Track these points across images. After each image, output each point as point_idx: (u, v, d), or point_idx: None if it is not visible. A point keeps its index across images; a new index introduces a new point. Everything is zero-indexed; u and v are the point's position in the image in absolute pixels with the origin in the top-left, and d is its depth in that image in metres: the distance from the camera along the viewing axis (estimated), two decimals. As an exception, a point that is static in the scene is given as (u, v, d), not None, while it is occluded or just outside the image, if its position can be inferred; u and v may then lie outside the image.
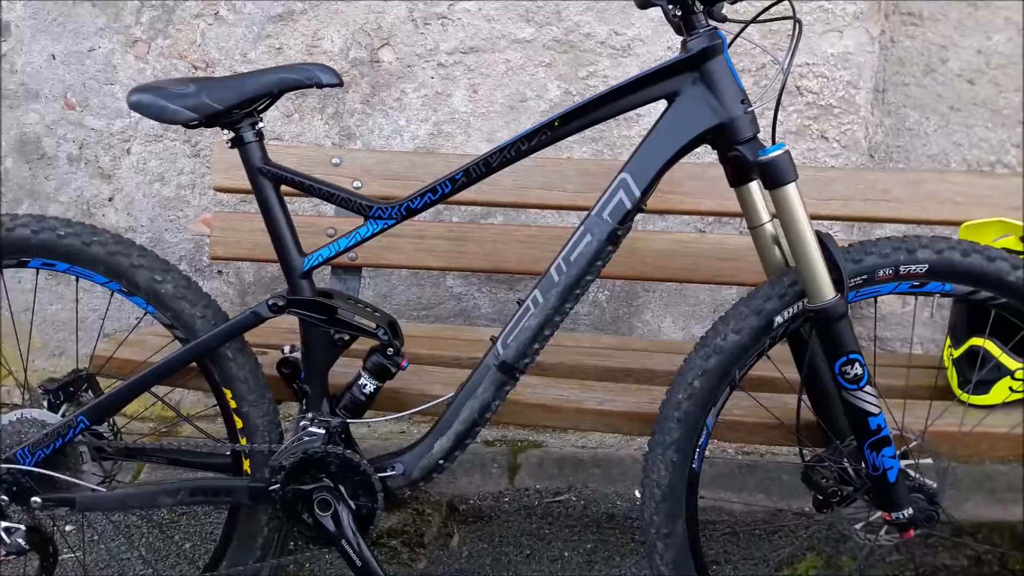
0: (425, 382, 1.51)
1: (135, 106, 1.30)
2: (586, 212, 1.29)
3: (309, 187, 1.32)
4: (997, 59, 2.46)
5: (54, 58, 2.51)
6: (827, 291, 1.21)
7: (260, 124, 1.34)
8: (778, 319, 1.27)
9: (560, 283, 1.29)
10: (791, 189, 1.20)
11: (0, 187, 2.58)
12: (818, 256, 1.21)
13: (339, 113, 2.49)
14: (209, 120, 1.29)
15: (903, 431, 1.37)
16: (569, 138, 1.27)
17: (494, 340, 1.33)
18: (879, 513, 1.29)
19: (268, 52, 2.45)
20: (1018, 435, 1.41)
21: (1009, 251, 1.50)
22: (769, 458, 2.40)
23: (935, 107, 2.51)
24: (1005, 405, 1.46)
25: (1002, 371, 1.45)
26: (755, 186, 1.32)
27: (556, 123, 1.26)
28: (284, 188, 1.37)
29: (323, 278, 2.51)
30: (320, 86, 1.28)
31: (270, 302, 1.34)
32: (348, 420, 1.35)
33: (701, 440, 1.31)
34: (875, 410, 1.23)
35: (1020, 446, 1.41)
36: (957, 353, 1.52)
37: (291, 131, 2.48)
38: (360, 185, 1.93)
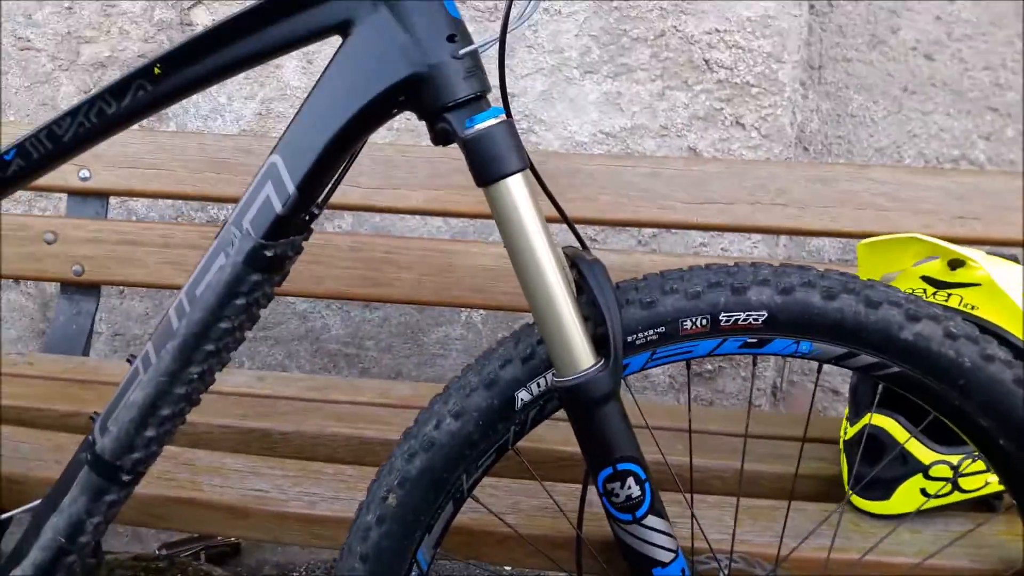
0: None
1: None
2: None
3: None
4: (961, 28, 1.97)
5: None
6: (582, 357, 0.71)
7: None
8: (523, 395, 0.78)
9: (180, 332, 0.80)
10: (513, 185, 0.70)
11: None
12: (563, 298, 0.71)
13: (145, 90, 2.02)
14: None
15: (750, 562, 0.88)
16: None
17: (94, 419, 0.84)
18: None
19: (57, 13, 1.98)
20: (932, 567, 0.91)
21: (931, 280, 1.01)
22: None
23: (884, 88, 2.02)
24: (917, 516, 0.97)
25: (910, 465, 0.95)
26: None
27: (156, 69, 0.77)
28: None
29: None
30: None
31: None
32: None
33: (409, 586, 0.82)
34: (666, 557, 0.73)
35: (933, 585, 0.91)
36: (851, 432, 1.02)
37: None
38: (88, 175, 1.46)
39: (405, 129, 1.85)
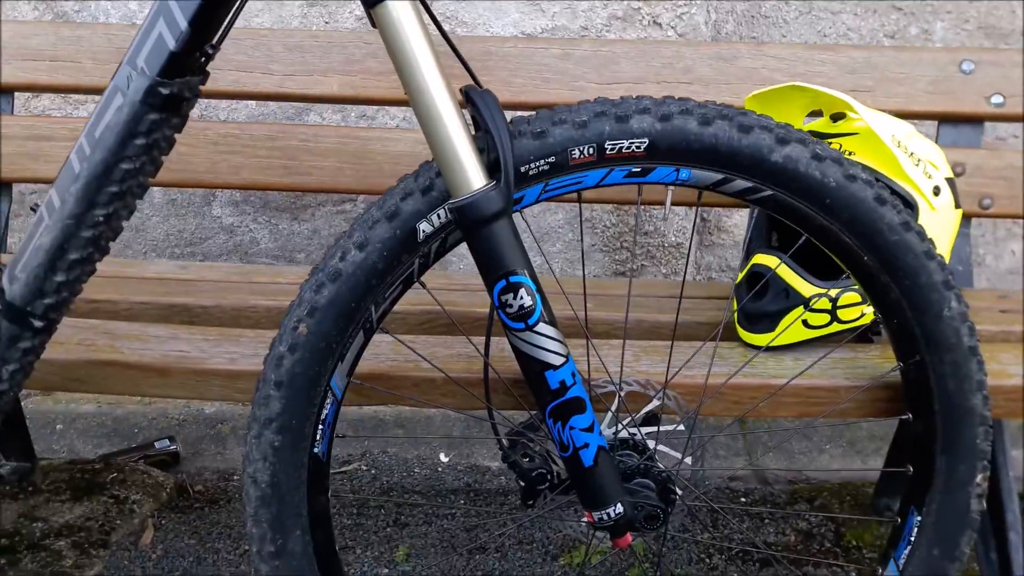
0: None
1: None
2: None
3: None
4: (866, -75, 2.03)
5: None
6: (474, 179, 0.76)
7: None
8: (424, 227, 0.82)
9: (82, 175, 0.81)
10: (400, 7, 0.73)
11: None
12: (455, 121, 0.75)
13: (51, -7, 1.95)
14: None
15: (643, 384, 0.95)
16: None
17: (1, 268, 0.85)
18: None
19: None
20: (803, 387, 0.99)
21: (816, 134, 1.08)
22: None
23: (795, -12, 2.08)
24: (798, 346, 1.05)
25: (792, 299, 1.03)
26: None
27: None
28: None
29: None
30: None
31: None
32: None
33: (325, 412, 0.86)
34: (557, 360, 0.79)
35: (814, 402, 1.00)
36: (740, 277, 1.09)
37: (-25, 15, 1.92)
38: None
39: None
